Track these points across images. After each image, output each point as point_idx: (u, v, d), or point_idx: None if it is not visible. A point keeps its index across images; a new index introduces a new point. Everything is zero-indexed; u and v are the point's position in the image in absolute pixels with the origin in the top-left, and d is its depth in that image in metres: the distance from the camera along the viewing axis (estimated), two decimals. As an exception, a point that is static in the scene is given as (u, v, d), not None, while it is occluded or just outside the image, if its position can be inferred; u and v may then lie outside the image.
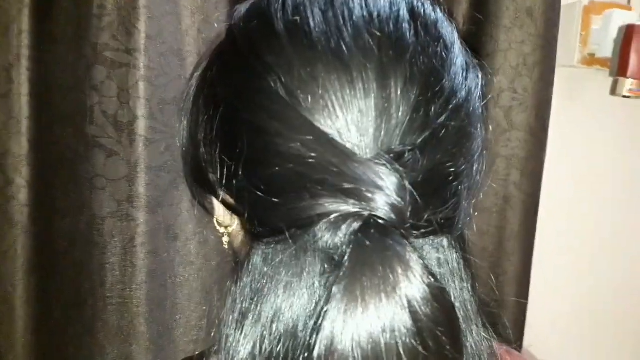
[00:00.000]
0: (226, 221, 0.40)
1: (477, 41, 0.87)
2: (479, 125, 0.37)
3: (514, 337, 0.92)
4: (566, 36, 0.98)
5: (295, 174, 0.32)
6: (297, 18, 0.33)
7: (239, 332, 0.33)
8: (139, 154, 0.68)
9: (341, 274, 0.30)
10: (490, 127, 0.88)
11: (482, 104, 0.38)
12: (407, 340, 0.31)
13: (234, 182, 0.34)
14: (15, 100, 0.69)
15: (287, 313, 0.32)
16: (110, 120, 0.68)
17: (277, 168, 0.32)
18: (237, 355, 0.33)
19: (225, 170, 0.34)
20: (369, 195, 0.31)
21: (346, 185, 0.31)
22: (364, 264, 0.30)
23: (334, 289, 0.30)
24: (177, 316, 0.71)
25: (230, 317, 0.34)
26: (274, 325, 0.32)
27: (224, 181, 0.34)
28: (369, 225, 0.31)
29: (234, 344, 0.33)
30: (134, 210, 0.69)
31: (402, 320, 0.31)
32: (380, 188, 0.31)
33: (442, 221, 0.35)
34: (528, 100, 0.86)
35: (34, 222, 0.71)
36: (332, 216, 0.31)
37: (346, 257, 0.30)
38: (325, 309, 0.30)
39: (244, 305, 0.33)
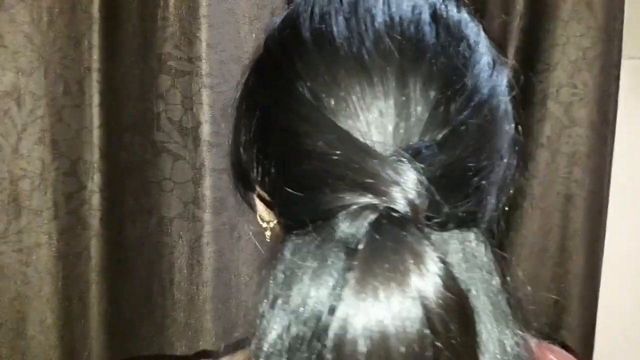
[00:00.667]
0: (266, 217, 0.42)
1: (533, 36, 0.85)
2: (505, 122, 0.38)
3: (582, 340, 0.90)
4: (632, 27, 0.94)
5: (319, 171, 0.34)
6: (323, 26, 0.36)
7: (270, 316, 0.35)
8: (203, 157, 0.71)
9: (355, 262, 0.32)
10: (550, 124, 0.86)
11: (510, 101, 0.39)
12: (416, 331, 0.32)
13: (267, 179, 0.37)
14: (87, 110, 0.73)
15: (312, 299, 0.33)
16: (175, 126, 0.72)
17: (303, 165, 0.35)
18: (268, 337, 0.35)
19: (260, 168, 0.37)
20: (386, 189, 0.32)
21: (365, 180, 0.33)
22: (377, 254, 0.32)
23: (348, 275, 0.31)
24: (241, 313, 0.73)
25: (264, 303, 0.35)
26: (301, 310, 0.34)
27: (259, 178, 0.38)
28: (385, 217, 0.32)
29: (266, 327, 0.35)
30: (199, 211, 0.71)
31: (411, 311, 0.32)
32: (397, 183, 0.32)
33: (464, 215, 0.35)
34: (589, 95, 0.84)
35: (105, 226, 0.75)
36: (351, 208, 0.33)
37: (361, 247, 0.32)
38: (340, 295, 0.32)
39: (275, 292, 0.35)
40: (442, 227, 0.35)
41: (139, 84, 0.72)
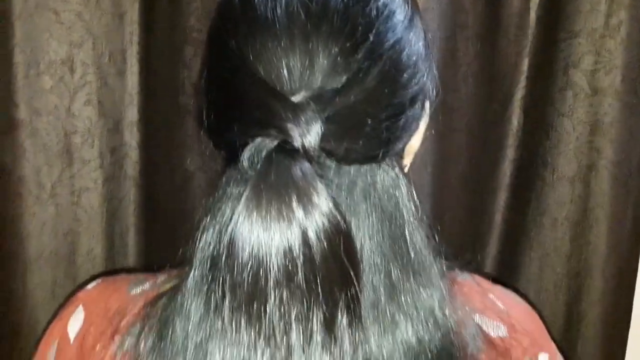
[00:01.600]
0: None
1: (556, 3, 0.84)
2: (409, 73, 0.43)
3: (604, 314, 0.87)
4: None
5: (235, 110, 0.41)
6: None
7: (199, 236, 0.42)
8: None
9: (248, 187, 0.38)
10: (572, 93, 0.85)
11: (424, 56, 0.45)
12: (291, 256, 0.37)
13: (206, 119, 0.44)
14: (128, 77, 0.84)
15: (224, 219, 0.40)
16: (196, 91, 0.81)
17: (224, 106, 0.42)
18: (197, 253, 0.42)
19: (204, 111, 0.44)
20: (285, 126, 0.38)
21: (269, 118, 0.39)
22: (265, 182, 0.38)
23: (242, 199, 0.38)
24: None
25: (199, 226, 0.42)
26: (217, 228, 0.41)
27: (204, 119, 0.44)
28: (280, 150, 0.38)
29: (196, 248, 0.42)
30: (217, 165, 0.81)
31: (290, 237, 0.37)
32: (294, 121, 0.38)
33: (364, 151, 0.41)
34: (612, 63, 0.81)
35: (142, 176, 0.87)
36: (255, 141, 0.39)
37: (254, 174, 0.38)
38: (234, 215, 0.38)
39: (208, 211, 0.42)
40: (344, 161, 0.42)
41: (168, 53, 0.83)
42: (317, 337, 0.38)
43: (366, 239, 0.43)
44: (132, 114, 0.86)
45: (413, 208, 0.45)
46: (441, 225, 0.92)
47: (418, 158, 0.87)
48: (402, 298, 0.43)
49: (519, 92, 0.88)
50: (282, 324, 0.38)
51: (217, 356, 0.39)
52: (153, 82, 0.86)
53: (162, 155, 0.87)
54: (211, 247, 0.41)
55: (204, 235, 0.41)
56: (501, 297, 0.53)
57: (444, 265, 0.47)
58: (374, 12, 0.42)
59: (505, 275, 0.97)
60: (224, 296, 0.38)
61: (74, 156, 0.84)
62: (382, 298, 0.42)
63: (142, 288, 0.50)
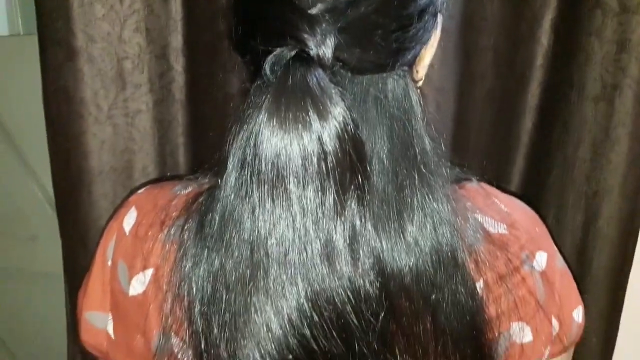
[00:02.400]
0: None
1: None
2: None
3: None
4: None
5: (258, 24, 0.46)
6: None
7: (232, 141, 0.47)
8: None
9: (269, 94, 0.43)
10: (600, 11, 0.86)
11: None
12: (309, 163, 0.43)
13: (235, 36, 0.49)
14: (173, 4, 0.90)
15: (251, 125, 0.45)
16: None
17: (249, 21, 0.47)
18: (230, 155, 0.47)
19: (233, 29, 0.49)
20: (301, 36, 0.43)
21: (287, 30, 0.44)
22: (285, 88, 0.43)
23: (264, 105, 0.43)
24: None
25: (231, 132, 0.48)
26: (245, 135, 0.45)
27: (233, 36, 0.50)
28: (297, 59, 0.43)
29: (229, 151, 0.47)
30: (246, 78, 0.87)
31: (308, 145, 0.43)
32: (310, 32, 0.43)
33: (376, 60, 0.46)
34: (643, -21, 0.82)
35: (189, 99, 0.94)
36: (276, 51, 0.44)
37: (275, 81, 0.43)
38: (258, 120, 0.43)
39: (238, 119, 0.47)
40: (356, 70, 0.47)
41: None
42: (330, 205, 0.44)
43: (377, 141, 0.48)
44: (176, 40, 0.92)
45: (421, 115, 0.50)
46: (467, 143, 0.98)
47: (447, 78, 0.92)
48: (409, 195, 0.48)
49: (550, 13, 0.90)
50: (300, 197, 0.44)
51: (248, 226, 0.45)
52: (195, 8, 0.91)
53: (205, 79, 0.94)
54: (241, 150, 0.46)
55: (235, 140, 0.46)
56: (504, 200, 0.58)
57: (450, 169, 0.52)
58: None
59: (530, 192, 1.02)
60: (252, 183, 0.44)
61: (127, 80, 0.91)
62: (390, 194, 0.48)
63: (186, 189, 0.57)
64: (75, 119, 0.90)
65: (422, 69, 0.54)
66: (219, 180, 0.48)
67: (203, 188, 0.54)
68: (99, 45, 0.88)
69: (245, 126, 0.46)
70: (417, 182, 0.49)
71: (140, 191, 0.62)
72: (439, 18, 0.52)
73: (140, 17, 0.89)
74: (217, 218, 0.48)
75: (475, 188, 0.56)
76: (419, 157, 0.49)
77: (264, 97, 0.44)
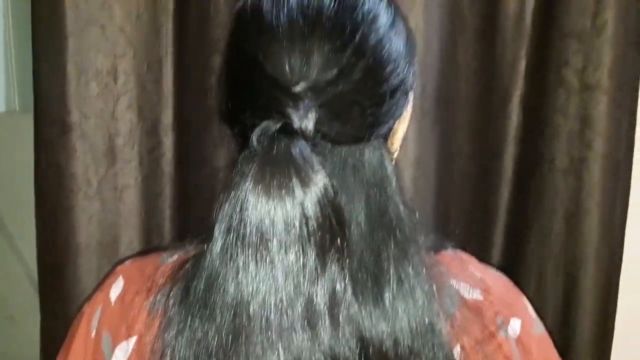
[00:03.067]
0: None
1: (548, 6, 0.92)
2: (390, 69, 0.52)
3: (599, 303, 0.94)
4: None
5: (247, 99, 0.50)
6: (258, 3, 0.52)
7: (220, 208, 0.47)
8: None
9: (255, 163, 0.46)
10: (564, 89, 0.93)
11: (406, 50, 0.53)
12: (292, 229, 0.45)
13: (224, 110, 0.54)
14: (164, 84, 0.94)
15: (238, 194, 0.47)
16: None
17: (238, 97, 0.51)
18: (218, 223, 0.48)
19: (223, 104, 0.53)
20: (286, 110, 0.47)
21: (273, 105, 0.48)
22: (270, 157, 0.46)
23: (250, 173, 0.46)
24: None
25: (220, 201, 0.49)
26: (232, 203, 0.47)
27: (223, 110, 0.54)
28: (283, 131, 0.47)
29: (217, 218, 0.48)
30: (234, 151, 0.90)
31: (290, 213, 0.45)
32: (294, 106, 0.47)
33: (354, 132, 0.50)
34: (599, 61, 0.90)
35: (178, 173, 0.97)
36: (263, 123, 0.48)
37: (261, 151, 0.46)
38: (244, 188, 0.46)
39: (226, 188, 0.49)
40: (336, 141, 0.51)
41: (198, 62, 0.93)
42: (311, 268, 0.46)
43: (355, 207, 0.51)
44: (167, 116, 0.96)
45: (396, 184, 0.54)
46: (447, 218, 1.01)
47: (425, 153, 0.96)
48: (386, 261, 0.50)
49: (517, 90, 0.97)
50: (282, 260, 0.45)
51: (231, 291, 0.46)
52: (185, 87, 0.96)
53: (194, 153, 0.97)
54: (228, 216, 0.47)
55: (223, 207, 0.48)
56: (479, 267, 0.60)
57: (426, 236, 0.54)
58: (359, 17, 0.51)
59: (509, 263, 1.05)
60: (236, 248, 0.46)
61: (117, 156, 0.93)
62: (368, 259, 0.50)
63: (173, 257, 0.58)
64: (65, 194, 0.91)
65: (396, 141, 0.58)
66: (205, 247, 0.49)
67: (189, 255, 0.56)
68: (92, 121, 0.91)
69: (232, 194, 0.47)
70: (393, 248, 0.51)
71: (126, 262, 0.63)
72: (410, 96, 0.57)
73: (133, 95, 0.93)
74: (202, 284, 0.49)
75: (451, 255, 0.59)
76: (394, 223, 0.52)
77: (250, 166, 0.47)
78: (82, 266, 0.92)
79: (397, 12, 0.55)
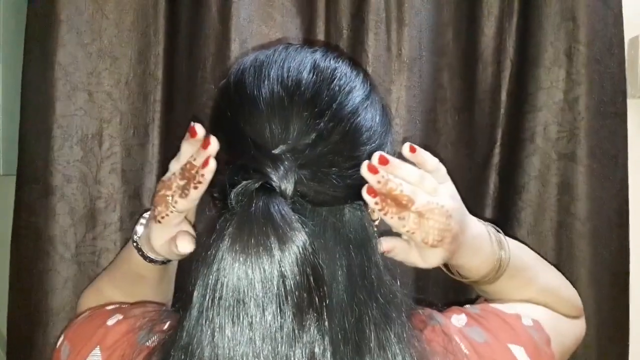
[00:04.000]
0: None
1: (521, 81, 0.97)
2: (364, 135, 0.54)
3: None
4: (633, 69, 1.03)
5: (227, 161, 0.52)
6: (242, 77, 0.55)
7: (196, 274, 0.48)
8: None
9: (232, 221, 0.46)
10: (539, 157, 0.95)
11: (382, 120, 0.56)
12: (270, 290, 0.45)
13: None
14: (150, 148, 0.96)
15: (214, 255, 0.47)
16: (208, 159, 0.92)
17: (219, 159, 0.52)
18: (195, 290, 0.48)
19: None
20: (265, 171, 0.49)
21: (253, 166, 0.49)
22: (249, 216, 0.46)
23: (227, 230, 0.46)
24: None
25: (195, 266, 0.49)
26: (208, 262, 0.47)
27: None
28: (262, 190, 0.48)
29: (194, 285, 0.48)
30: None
31: (268, 267, 0.45)
32: (273, 167, 0.49)
33: (332, 194, 0.51)
34: (573, 132, 0.93)
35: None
36: (242, 183, 0.49)
37: (239, 209, 0.47)
38: (220, 245, 0.46)
39: (205, 251, 0.49)
40: (315, 202, 0.52)
41: (184, 127, 0.94)
42: (288, 329, 0.45)
43: (336, 268, 0.51)
44: (151, 181, 0.96)
45: (376, 246, 0.55)
46: (427, 282, 1.00)
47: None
48: (367, 325, 0.50)
49: (494, 158, 1.00)
50: (260, 321, 0.45)
51: (207, 354, 0.46)
52: (171, 152, 0.96)
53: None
54: (205, 278, 0.47)
55: (201, 270, 0.48)
56: (467, 338, 0.58)
57: (408, 301, 0.54)
58: (336, 88, 0.54)
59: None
60: (213, 309, 0.45)
61: (97, 219, 0.93)
62: (349, 322, 0.50)
63: (152, 338, 0.56)
64: (41, 257, 0.89)
65: None
66: (184, 313, 0.49)
67: (164, 328, 0.55)
68: (74, 185, 0.91)
69: (209, 254, 0.47)
70: (374, 311, 0.51)
71: (73, 324, 0.62)
72: None
73: (117, 159, 0.93)
74: (180, 352, 0.48)
75: (436, 327, 0.57)
76: (376, 285, 0.52)
77: (228, 225, 0.47)
78: (53, 332, 0.89)
79: (373, 88, 0.58)
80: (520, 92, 0.97)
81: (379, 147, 0.55)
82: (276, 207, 0.47)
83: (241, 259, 0.45)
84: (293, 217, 0.47)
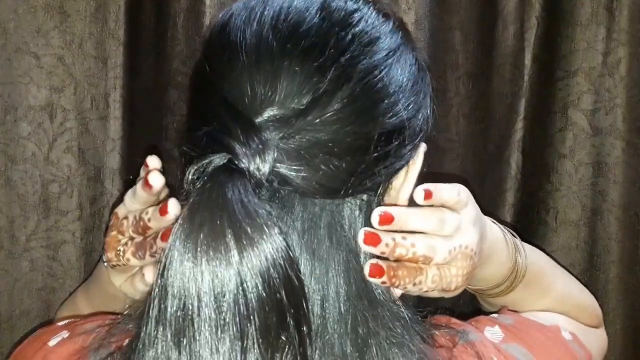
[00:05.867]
0: None
1: (551, 42, 0.82)
2: (387, 103, 0.40)
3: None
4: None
5: (196, 128, 0.40)
6: (227, 24, 0.42)
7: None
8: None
9: (184, 210, 0.35)
10: (572, 133, 0.82)
11: (414, 86, 0.42)
12: (226, 303, 0.34)
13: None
14: (111, 123, 0.81)
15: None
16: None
17: (189, 125, 0.42)
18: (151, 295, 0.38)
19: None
20: (235, 146, 0.36)
21: (221, 136, 0.37)
22: (202, 203, 0.35)
23: (177, 224, 0.35)
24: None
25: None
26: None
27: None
28: (225, 170, 0.36)
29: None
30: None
31: (221, 276, 0.34)
32: (248, 140, 0.36)
33: (325, 183, 0.38)
34: (612, 102, 0.79)
35: (124, 227, 0.82)
36: (203, 157, 0.37)
37: (193, 194, 0.35)
38: (170, 243, 0.35)
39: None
40: (301, 191, 0.39)
41: (152, 98, 0.80)
42: None
43: (330, 281, 0.39)
44: (113, 161, 0.82)
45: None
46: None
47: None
48: (372, 353, 0.39)
49: (517, 134, 0.86)
50: (212, 351, 0.34)
51: None
52: (136, 127, 0.82)
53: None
54: (156, 283, 0.37)
55: (157, 271, 0.37)
56: (508, 358, 0.47)
57: (419, 323, 0.43)
58: (349, 36, 0.40)
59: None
60: (157, 327, 0.35)
61: (51, 207, 0.79)
62: (349, 352, 0.38)
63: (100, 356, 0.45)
64: (-17, 254, 0.75)
65: (392, 202, 0.45)
66: (139, 328, 0.38)
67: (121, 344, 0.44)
68: (20, 167, 0.77)
69: (165, 249, 0.36)
70: (382, 339, 0.39)
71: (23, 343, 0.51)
72: (421, 147, 0.45)
73: (72, 136, 0.79)
74: None
75: (465, 348, 0.45)
76: (382, 301, 0.41)
77: (180, 215, 0.38)
78: (2, 341, 0.76)
79: (406, 40, 0.43)
80: (549, 55, 0.82)
81: (405, 125, 0.41)
82: (236, 194, 0.35)
83: (188, 261, 0.34)
84: (261, 208, 0.35)
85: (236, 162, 0.36)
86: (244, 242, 0.34)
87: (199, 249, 0.34)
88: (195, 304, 0.34)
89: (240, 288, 0.34)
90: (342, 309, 0.39)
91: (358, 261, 0.40)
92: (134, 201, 0.47)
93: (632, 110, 0.79)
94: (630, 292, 0.82)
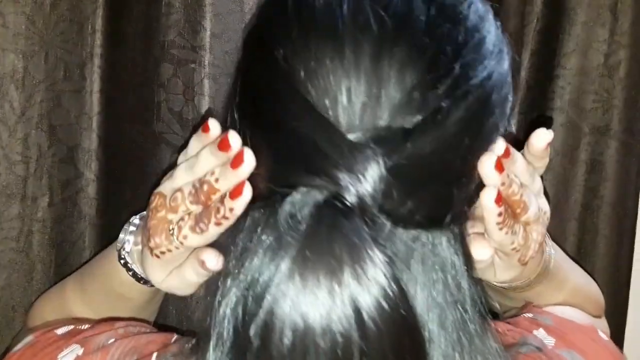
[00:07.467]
0: None
1: (552, 39, 0.81)
2: (496, 117, 0.35)
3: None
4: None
5: (272, 144, 0.34)
6: None
7: (221, 291, 0.33)
8: (201, 149, 0.68)
9: (291, 247, 0.30)
10: (569, 131, 0.82)
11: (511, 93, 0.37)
12: (342, 335, 0.30)
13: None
14: (87, 96, 0.71)
15: (260, 275, 0.31)
16: (175, 117, 0.70)
17: (267, 135, 0.34)
18: (216, 325, 0.33)
19: (240, 134, 0.36)
20: (339, 175, 0.31)
21: (321, 161, 0.31)
22: (313, 241, 0.30)
23: (283, 258, 0.30)
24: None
25: (220, 276, 0.34)
26: (248, 286, 0.32)
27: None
28: (330, 204, 0.31)
29: (217, 301, 0.33)
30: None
31: (341, 313, 0.29)
32: (351, 170, 0.31)
33: (431, 214, 0.33)
34: (611, 102, 0.80)
35: (101, 215, 0.73)
36: (299, 192, 0.32)
37: (300, 229, 0.30)
38: (273, 277, 0.30)
39: (231, 265, 0.34)
40: (403, 223, 0.33)
41: (140, 71, 0.70)
42: None
43: (434, 322, 0.35)
44: (90, 140, 0.72)
45: (473, 287, 0.38)
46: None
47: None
48: None
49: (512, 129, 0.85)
50: None
51: None
52: (118, 103, 0.72)
53: (127, 191, 0.74)
54: (235, 318, 0.32)
55: (226, 300, 0.33)
56: None
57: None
58: (461, 35, 0.34)
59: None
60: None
61: (16, 192, 0.68)
62: None
63: None
64: None
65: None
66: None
67: None
68: (-19, 145, 0.65)
69: (240, 280, 0.32)
70: None
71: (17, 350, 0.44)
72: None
73: (42, 110, 0.68)
74: None
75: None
76: (475, 345, 0.36)
77: (271, 240, 0.31)
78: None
79: (504, 32, 0.38)
80: (550, 52, 0.82)
81: (500, 128, 0.37)
82: (354, 239, 0.30)
83: (307, 308, 0.30)
84: (377, 251, 0.30)
85: (343, 195, 0.31)
86: (364, 280, 0.30)
87: (316, 293, 0.30)
88: (313, 349, 0.30)
89: (360, 328, 0.30)
90: (449, 351, 0.35)
91: (456, 299, 0.36)
92: (190, 170, 0.39)
93: (629, 111, 0.81)
94: (614, 284, 0.85)
